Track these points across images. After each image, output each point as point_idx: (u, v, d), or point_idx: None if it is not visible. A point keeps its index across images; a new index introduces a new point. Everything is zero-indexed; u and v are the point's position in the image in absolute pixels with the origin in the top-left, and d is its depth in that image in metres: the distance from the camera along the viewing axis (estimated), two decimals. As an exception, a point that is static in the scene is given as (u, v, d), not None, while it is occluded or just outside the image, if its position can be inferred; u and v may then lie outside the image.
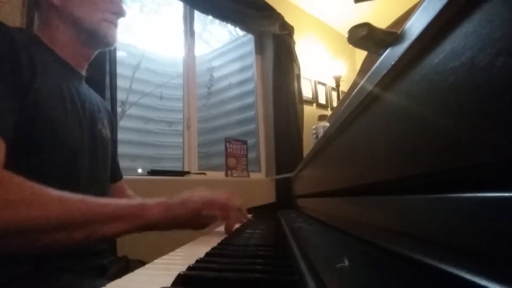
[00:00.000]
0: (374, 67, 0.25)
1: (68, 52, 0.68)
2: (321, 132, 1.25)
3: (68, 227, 0.45)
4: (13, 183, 0.43)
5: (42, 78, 0.56)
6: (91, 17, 0.68)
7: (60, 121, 0.58)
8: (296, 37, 2.36)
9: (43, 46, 0.64)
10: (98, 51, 0.75)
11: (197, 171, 1.77)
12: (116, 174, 0.86)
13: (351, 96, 0.30)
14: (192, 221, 0.59)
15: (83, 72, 0.73)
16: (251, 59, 2.43)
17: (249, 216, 0.94)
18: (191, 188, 0.63)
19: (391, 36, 0.22)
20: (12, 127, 0.49)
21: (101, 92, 1.19)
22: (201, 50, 2.98)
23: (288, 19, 2.28)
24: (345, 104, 0.33)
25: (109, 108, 0.95)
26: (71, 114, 0.62)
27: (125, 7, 0.75)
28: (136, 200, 0.56)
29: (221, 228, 0.62)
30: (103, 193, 0.71)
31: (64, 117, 0.59)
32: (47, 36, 0.66)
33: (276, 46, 2.20)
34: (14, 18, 1.10)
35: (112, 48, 0.80)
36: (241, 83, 2.63)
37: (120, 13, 0.73)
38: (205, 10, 1.84)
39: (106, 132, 0.76)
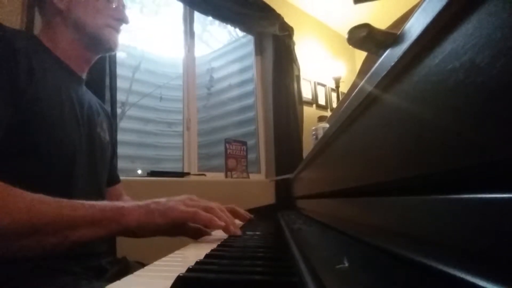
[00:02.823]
0: (373, 68, 0.25)
1: (70, 56, 0.68)
2: (320, 133, 1.25)
3: (37, 233, 0.43)
4: None
5: (40, 81, 0.55)
6: (94, 22, 0.69)
7: (58, 124, 0.58)
8: (296, 38, 2.36)
9: (44, 48, 0.64)
10: (99, 56, 0.75)
11: (197, 172, 1.77)
12: (113, 178, 0.85)
13: (351, 97, 0.30)
14: (173, 231, 0.55)
15: (84, 76, 0.73)
16: (251, 60, 2.43)
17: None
18: (201, 193, 0.59)
19: (391, 37, 0.22)
20: (3, 128, 0.49)
21: (101, 93, 1.19)
22: (201, 51, 2.98)
23: (288, 20, 2.28)
24: (345, 105, 0.33)
25: (109, 110, 0.95)
26: (68, 116, 0.62)
27: (126, 11, 0.75)
28: (116, 203, 0.52)
29: (220, 231, 0.60)
30: (100, 196, 0.71)
31: (61, 120, 0.59)
32: (49, 39, 0.66)
33: (276, 47, 2.20)
34: (14, 20, 1.10)
35: (113, 53, 0.81)
36: (241, 84, 2.63)
37: (123, 19, 0.74)
38: (205, 11, 1.85)
39: (105, 135, 0.77)
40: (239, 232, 0.59)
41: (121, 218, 0.49)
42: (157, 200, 0.55)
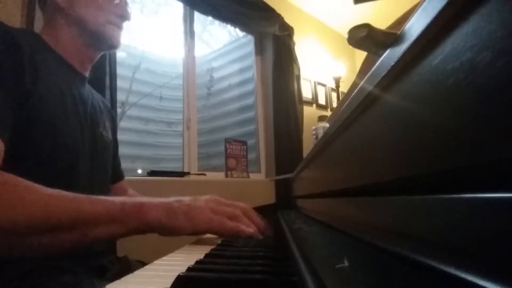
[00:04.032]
0: (373, 68, 0.25)
1: (72, 54, 0.67)
2: (320, 133, 1.25)
3: (54, 229, 0.41)
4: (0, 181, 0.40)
5: (43, 80, 0.55)
6: (96, 19, 0.68)
7: (60, 124, 0.57)
8: (296, 38, 2.36)
9: (46, 47, 0.64)
10: (102, 53, 0.74)
11: (197, 172, 1.77)
12: (117, 174, 0.85)
13: (351, 97, 0.30)
14: (191, 233, 0.50)
15: (86, 74, 0.73)
16: (251, 60, 2.43)
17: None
18: (201, 192, 0.56)
19: (391, 36, 0.22)
20: (11, 128, 0.49)
21: (101, 93, 1.18)
22: (201, 50, 2.98)
23: (288, 20, 2.28)
24: (345, 105, 0.33)
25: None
26: (71, 116, 0.61)
27: (128, 8, 0.75)
28: (136, 199, 0.49)
29: None
30: None
31: (64, 120, 0.59)
32: (50, 37, 0.65)
33: (276, 47, 2.20)
34: (14, 19, 1.10)
35: (116, 50, 0.79)
36: (241, 83, 2.63)
37: (125, 16, 0.73)
38: (205, 11, 1.85)
39: (108, 134, 0.76)
40: (266, 233, 0.56)
41: (142, 216, 0.46)
42: (180, 198, 0.51)
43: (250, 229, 0.51)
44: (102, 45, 0.71)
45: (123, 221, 0.46)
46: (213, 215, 0.50)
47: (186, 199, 0.51)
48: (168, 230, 0.48)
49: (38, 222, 0.40)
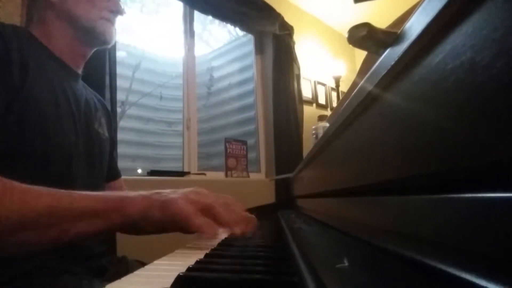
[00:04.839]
0: (373, 67, 0.25)
1: (64, 50, 0.66)
2: (321, 133, 1.25)
3: (33, 226, 0.40)
4: None
5: (34, 78, 0.54)
6: (88, 15, 0.66)
7: (53, 122, 0.56)
8: (296, 37, 2.36)
9: (38, 44, 0.63)
10: (95, 49, 0.73)
11: (197, 172, 1.77)
12: (113, 173, 0.84)
13: (351, 96, 0.30)
14: (173, 227, 0.49)
15: (80, 71, 0.71)
16: (251, 59, 2.43)
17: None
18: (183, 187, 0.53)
19: (391, 36, 0.22)
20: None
21: (101, 92, 1.19)
22: (201, 50, 2.98)
23: (288, 19, 2.28)
24: (345, 104, 0.33)
25: (109, 107, 0.93)
26: (64, 114, 0.60)
27: (124, 7, 0.73)
28: (118, 193, 0.49)
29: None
30: None
31: (56, 118, 0.58)
32: (42, 34, 0.64)
33: (276, 46, 2.20)
34: (14, 19, 1.10)
35: (109, 46, 0.77)
36: (241, 83, 2.63)
37: (118, 11, 0.71)
38: (205, 10, 1.84)
39: (104, 131, 0.75)
40: (249, 229, 0.54)
41: (123, 209, 0.46)
42: (160, 190, 0.50)
43: (211, 231, 0.47)
44: (94, 41, 0.69)
45: (106, 216, 0.45)
46: (185, 205, 0.47)
47: (165, 191, 0.50)
48: (147, 223, 0.47)
49: (16, 219, 0.39)
